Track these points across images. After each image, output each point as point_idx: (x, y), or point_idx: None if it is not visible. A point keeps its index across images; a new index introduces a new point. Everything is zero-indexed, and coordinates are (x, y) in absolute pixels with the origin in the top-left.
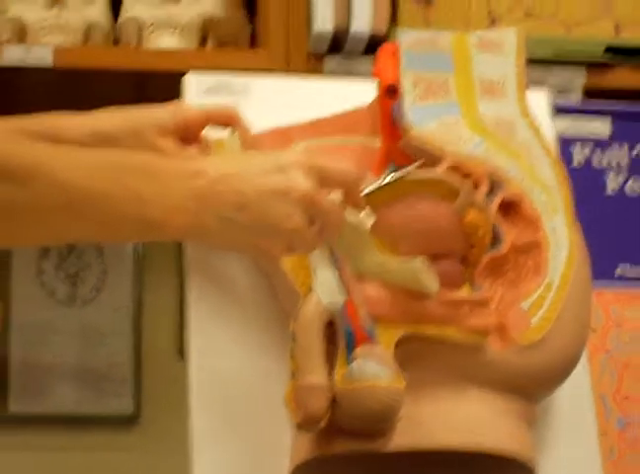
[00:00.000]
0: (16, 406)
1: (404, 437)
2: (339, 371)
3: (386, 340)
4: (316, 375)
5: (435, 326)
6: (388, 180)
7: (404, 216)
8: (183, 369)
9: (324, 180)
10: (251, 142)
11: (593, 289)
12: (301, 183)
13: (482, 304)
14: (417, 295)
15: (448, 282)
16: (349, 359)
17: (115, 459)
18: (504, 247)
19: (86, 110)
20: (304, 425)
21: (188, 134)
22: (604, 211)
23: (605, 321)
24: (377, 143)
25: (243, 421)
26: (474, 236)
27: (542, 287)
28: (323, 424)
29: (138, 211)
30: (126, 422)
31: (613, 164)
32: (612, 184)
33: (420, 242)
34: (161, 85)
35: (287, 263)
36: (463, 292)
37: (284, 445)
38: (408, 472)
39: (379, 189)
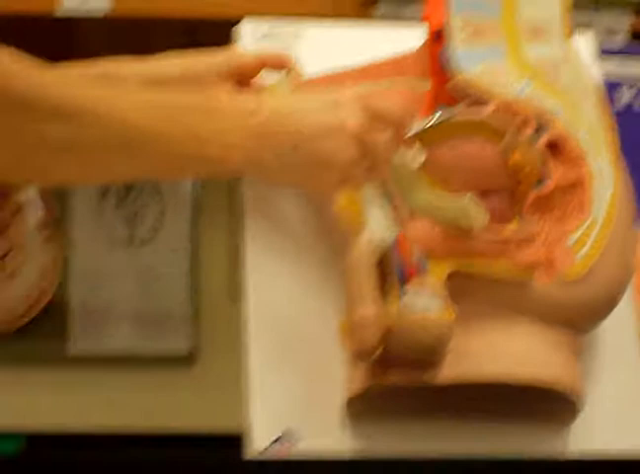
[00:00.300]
0: (76, 347)
1: (455, 370)
2: (391, 305)
3: (437, 274)
4: (369, 308)
5: (483, 261)
6: (435, 121)
7: (451, 156)
8: (239, 309)
9: (377, 117)
10: (302, 86)
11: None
12: (355, 119)
13: (529, 240)
14: (466, 231)
15: (497, 218)
16: (400, 293)
17: (172, 398)
18: (550, 185)
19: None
20: (358, 356)
21: (242, 79)
22: None
23: None
24: (426, 87)
25: (298, 356)
26: (520, 174)
27: (587, 225)
28: (376, 355)
29: (196, 150)
30: (184, 361)
31: None
32: None
33: (468, 180)
34: (212, 33)
35: (341, 200)
36: (511, 228)
37: (339, 379)
38: (459, 405)
39: (427, 129)
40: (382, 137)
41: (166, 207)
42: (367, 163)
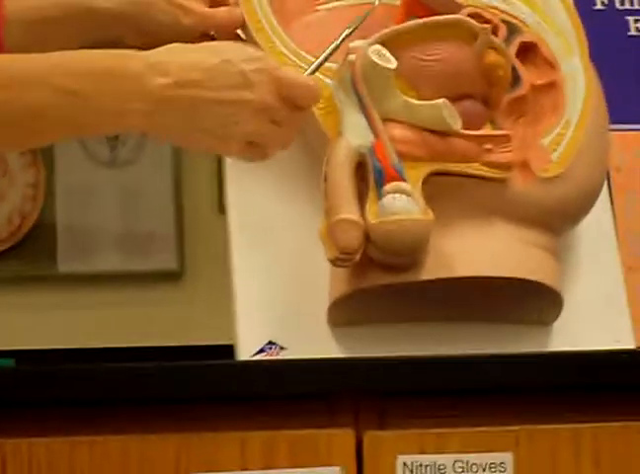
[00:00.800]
0: (64, 266)
1: (434, 269)
2: (370, 208)
3: (414, 177)
4: (349, 212)
5: (459, 163)
6: (409, 24)
7: (425, 59)
8: (223, 225)
9: (286, 100)
10: (278, 1)
11: (617, 131)
12: (264, 98)
13: (504, 140)
14: (441, 134)
15: (471, 121)
16: (379, 196)
17: (161, 314)
18: (523, 87)
19: None
20: (340, 259)
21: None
22: (628, 53)
23: (631, 161)
24: (398, 1)
25: (282, 264)
26: (494, 76)
27: (561, 125)
28: (357, 258)
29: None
30: (171, 277)
31: (636, 6)
32: (635, 25)
33: (441, 84)
34: None
35: (317, 109)
36: (486, 130)
37: (323, 283)
38: (439, 309)
39: (399, 32)
40: (288, 114)
41: None
42: (272, 134)
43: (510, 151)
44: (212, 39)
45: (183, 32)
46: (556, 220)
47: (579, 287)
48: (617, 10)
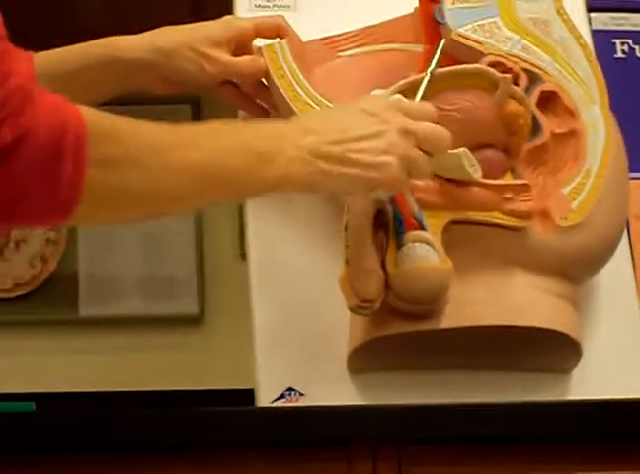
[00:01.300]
0: (85, 310)
1: (454, 317)
2: (390, 256)
3: (434, 226)
4: (368, 260)
5: (480, 212)
6: (430, 71)
7: (446, 108)
8: (244, 270)
9: (416, 140)
10: (300, 49)
11: (637, 179)
12: (398, 145)
13: (525, 189)
14: (462, 183)
15: (492, 170)
16: (399, 244)
17: (181, 358)
18: (544, 136)
19: (140, 14)
20: (360, 307)
21: (240, 46)
22: None
23: None
24: (420, 49)
25: (302, 310)
26: (514, 125)
27: (581, 174)
28: (377, 306)
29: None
30: (192, 322)
31: None
32: None
33: (462, 132)
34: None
35: None
36: (506, 179)
37: (343, 330)
38: (459, 357)
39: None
40: (420, 154)
41: None
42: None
43: (530, 200)
44: (235, 86)
45: (207, 80)
46: (576, 269)
47: (598, 336)
48: (638, 58)
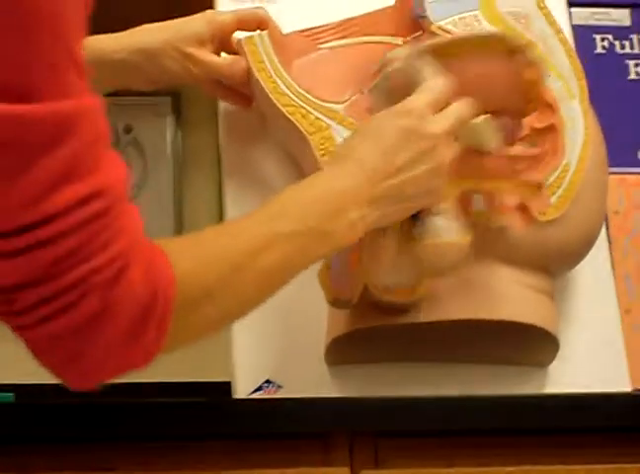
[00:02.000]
0: None
1: (432, 311)
2: (405, 231)
3: (449, 194)
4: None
5: (492, 182)
6: (448, 39)
7: (464, 74)
8: None
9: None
10: (280, 41)
11: (616, 174)
12: (445, 156)
13: (538, 159)
14: (477, 151)
15: (506, 138)
16: (414, 217)
17: None
18: (523, 130)
19: (119, 10)
20: (339, 301)
21: (222, 40)
22: (628, 96)
23: (628, 204)
24: (400, 41)
25: (281, 303)
26: (532, 92)
27: (560, 168)
28: (355, 300)
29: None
30: None
31: (636, 51)
32: (635, 69)
33: (480, 99)
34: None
35: (318, 150)
36: (519, 148)
37: (321, 322)
38: (435, 346)
39: (441, 44)
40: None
41: (148, 164)
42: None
43: (541, 170)
44: (219, 83)
45: (190, 79)
46: (554, 263)
47: (576, 329)
48: (618, 54)
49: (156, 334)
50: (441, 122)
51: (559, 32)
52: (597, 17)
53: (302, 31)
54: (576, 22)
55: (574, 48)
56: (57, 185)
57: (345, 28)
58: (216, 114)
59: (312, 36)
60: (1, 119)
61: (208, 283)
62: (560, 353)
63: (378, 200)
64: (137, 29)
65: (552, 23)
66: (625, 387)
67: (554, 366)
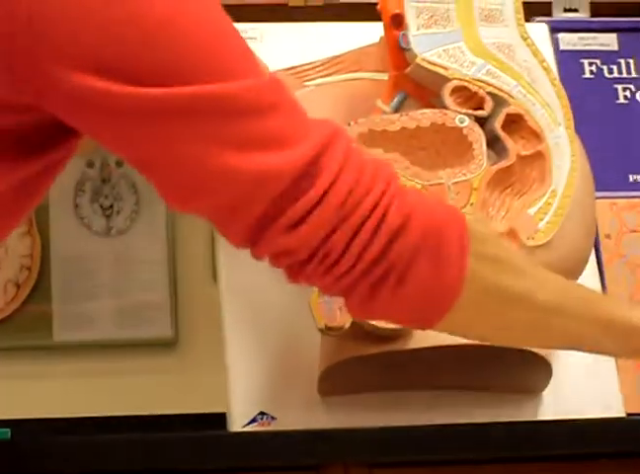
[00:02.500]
0: (59, 335)
1: (422, 337)
2: None
3: None
4: None
5: None
6: None
7: None
8: (217, 294)
9: None
10: None
11: (607, 199)
12: None
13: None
14: None
15: None
16: None
17: (155, 382)
18: (510, 158)
19: None
20: (329, 329)
21: None
22: (617, 120)
23: (620, 228)
24: (385, 77)
25: (273, 334)
26: None
27: (548, 194)
28: (347, 327)
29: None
30: (166, 346)
31: (624, 75)
32: (624, 93)
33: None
34: None
35: None
36: None
37: (314, 353)
38: (428, 373)
39: None
40: None
41: (141, 198)
42: None
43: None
44: None
45: None
46: None
47: (568, 355)
48: (606, 78)
49: (459, 250)
50: None
51: (543, 61)
52: (584, 42)
53: (288, 68)
54: (563, 47)
55: (557, 76)
56: (301, 140)
57: (331, 65)
58: None
59: (298, 73)
60: (235, 93)
61: (497, 242)
62: (553, 380)
63: None
64: None
65: (535, 52)
66: (619, 412)
67: (547, 393)
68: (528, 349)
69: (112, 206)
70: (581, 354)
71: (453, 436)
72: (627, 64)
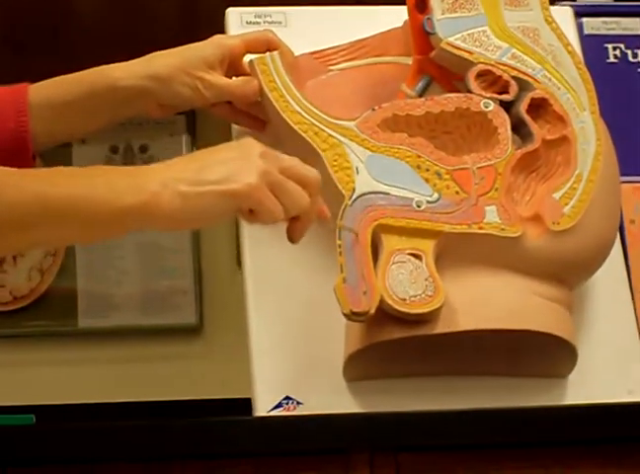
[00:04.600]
0: (84, 322)
1: (449, 322)
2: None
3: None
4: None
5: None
6: None
7: None
8: (241, 280)
9: (281, 168)
10: (292, 62)
11: (631, 183)
12: (258, 165)
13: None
14: None
15: None
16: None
17: (180, 368)
18: (535, 142)
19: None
20: (355, 313)
21: (232, 64)
22: None
23: None
24: (410, 61)
25: (298, 318)
26: None
27: (573, 179)
28: (372, 311)
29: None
30: (191, 332)
31: None
32: None
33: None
34: (206, 2)
35: (331, 166)
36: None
37: (339, 338)
38: (454, 358)
39: None
40: (290, 183)
41: None
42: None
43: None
44: (228, 103)
45: (201, 102)
46: (569, 273)
47: (593, 340)
48: (630, 63)
49: None
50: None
51: (567, 44)
52: (608, 26)
53: (313, 53)
54: (587, 32)
55: (582, 60)
56: None
57: (355, 49)
58: (231, 133)
59: (323, 57)
60: None
61: None
62: (578, 364)
63: (177, 180)
64: (148, 56)
65: (560, 36)
66: None
67: (573, 377)
68: (553, 332)
69: None
70: (607, 338)
71: (479, 421)
72: None
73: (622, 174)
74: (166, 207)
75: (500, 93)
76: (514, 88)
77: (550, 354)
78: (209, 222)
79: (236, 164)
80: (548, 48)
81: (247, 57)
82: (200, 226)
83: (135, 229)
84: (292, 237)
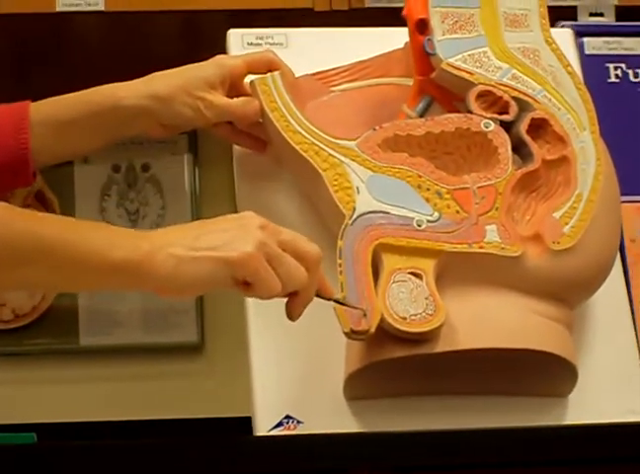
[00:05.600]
0: (86, 340)
1: (449, 341)
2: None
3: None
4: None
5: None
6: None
7: None
8: (242, 299)
9: (280, 242)
10: (293, 82)
11: (632, 202)
12: (256, 236)
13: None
14: None
15: None
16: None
17: (181, 386)
18: (535, 162)
19: (136, 52)
20: (355, 332)
21: (233, 84)
22: None
23: None
24: (411, 82)
25: (299, 338)
26: None
27: (573, 198)
28: (373, 330)
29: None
30: (191, 350)
31: None
32: None
33: None
34: (208, 22)
35: (331, 185)
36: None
37: (340, 357)
38: (454, 377)
39: None
40: (288, 257)
41: (167, 203)
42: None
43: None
44: (229, 123)
45: (202, 122)
46: (569, 292)
47: (594, 359)
48: (631, 82)
49: None
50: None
51: (567, 65)
52: (610, 46)
53: (314, 74)
54: (589, 51)
55: (582, 81)
56: None
57: (356, 70)
58: (232, 153)
59: (324, 78)
60: None
61: None
62: (578, 384)
63: (173, 244)
64: (150, 76)
65: (560, 56)
66: None
67: (574, 397)
68: (553, 352)
69: (137, 211)
70: (607, 357)
71: (479, 441)
72: None
73: (623, 193)
74: (159, 268)
75: (500, 113)
76: (514, 108)
77: (551, 373)
78: (204, 290)
79: (234, 233)
80: (548, 69)
81: (248, 78)
82: (195, 295)
83: (127, 287)
84: (290, 314)
